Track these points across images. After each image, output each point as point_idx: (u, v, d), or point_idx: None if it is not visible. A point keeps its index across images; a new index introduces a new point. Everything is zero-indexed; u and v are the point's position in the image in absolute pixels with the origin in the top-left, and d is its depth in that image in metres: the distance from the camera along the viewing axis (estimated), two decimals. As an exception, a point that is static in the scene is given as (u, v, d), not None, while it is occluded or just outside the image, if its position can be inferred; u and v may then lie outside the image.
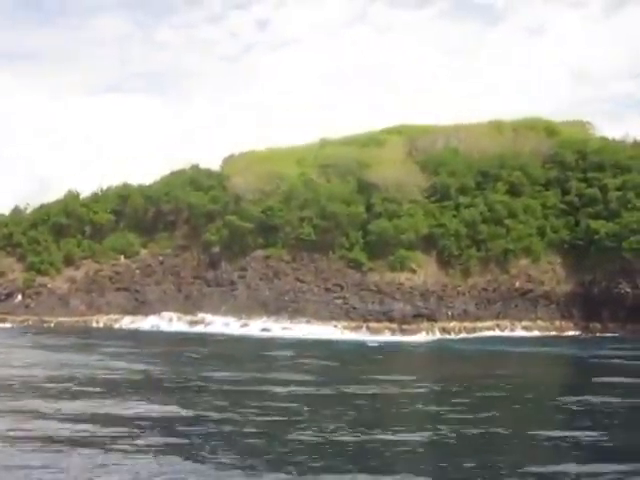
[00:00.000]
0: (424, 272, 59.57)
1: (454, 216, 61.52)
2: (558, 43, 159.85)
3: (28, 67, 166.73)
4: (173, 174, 66.93)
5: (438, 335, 53.28)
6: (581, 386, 26.99)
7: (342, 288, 57.82)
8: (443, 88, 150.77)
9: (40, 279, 59.78)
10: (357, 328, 53.82)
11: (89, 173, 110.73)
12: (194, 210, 62.91)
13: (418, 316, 55.94)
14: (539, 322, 59.28)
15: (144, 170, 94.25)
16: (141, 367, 29.75)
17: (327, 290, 57.79)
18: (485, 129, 73.47)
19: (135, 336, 48.08)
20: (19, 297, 59.16)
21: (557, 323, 59.55)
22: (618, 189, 62.09)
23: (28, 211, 65.42)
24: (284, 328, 51.40)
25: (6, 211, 66.73)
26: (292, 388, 24.27)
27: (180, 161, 70.59)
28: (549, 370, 36.65)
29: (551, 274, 62.09)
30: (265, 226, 60.78)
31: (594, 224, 61.00)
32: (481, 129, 73.45)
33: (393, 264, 58.72)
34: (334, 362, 34.50)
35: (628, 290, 59.26)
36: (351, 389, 24.16)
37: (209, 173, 67.68)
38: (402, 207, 61.10)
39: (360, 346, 44.32)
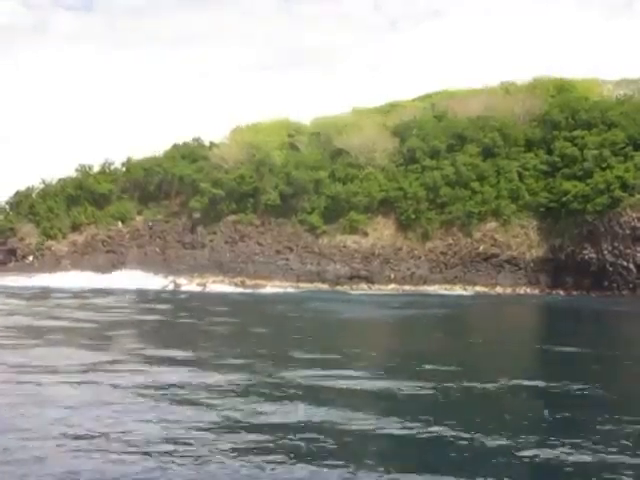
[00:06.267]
0: (379, 235, 59.85)
1: (417, 179, 60.92)
2: None
3: (182, 49, 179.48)
4: (175, 147, 72.31)
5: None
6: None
7: (291, 250, 59.93)
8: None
9: (48, 243, 68.11)
10: (289, 287, 55.69)
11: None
12: (183, 180, 67.90)
13: (355, 277, 56.65)
14: (498, 288, 57.24)
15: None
16: None
17: (277, 252, 60.20)
18: (496, 92, 71.20)
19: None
20: (30, 258, 67.93)
21: (521, 290, 57.18)
22: (600, 147, 57.92)
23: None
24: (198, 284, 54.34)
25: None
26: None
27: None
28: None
29: (522, 238, 59.48)
30: (236, 193, 64.26)
31: (566, 185, 57.65)
32: (492, 92, 71.26)
33: (344, 227, 59.74)
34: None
35: (593, 256, 55.41)
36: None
37: (210, 145, 72.26)
38: (362, 171, 61.64)
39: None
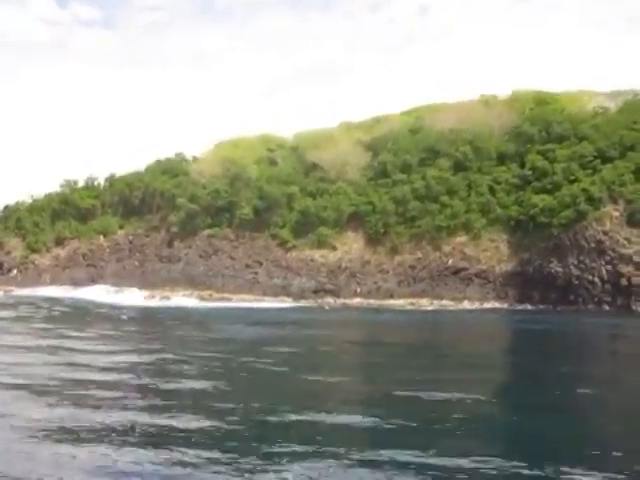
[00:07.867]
0: (347, 249, 60.02)
1: (386, 193, 61.03)
2: None
3: (199, 67, 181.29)
4: (157, 162, 73.42)
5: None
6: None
7: (261, 264, 60.40)
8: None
9: (32, 256, 69.60)
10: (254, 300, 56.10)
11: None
12: (164, 194, 68.95)
13: (320, 291, 56.86)
14: (466, 302, 56.87)
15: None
16: None
17: (247, 266, 60.72)
18: (475, 105, 71.06)
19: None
20: (14, 271, 69.46)
21: (489, 304, 56.72)
22: (569, 160, 57.54)
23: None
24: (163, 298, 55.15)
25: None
26: None
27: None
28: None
29: (492, 252, 59.09)
30: (212, 208, 65.06)
31: (535, 198, 57.30)
32: (472, 105, 71.13)
33: (314, 242, 60.05)
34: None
35: (559, 269, 54.87)
36: None
37: (193, 160, 73.31)
38: (333, 186, 61.97)
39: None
